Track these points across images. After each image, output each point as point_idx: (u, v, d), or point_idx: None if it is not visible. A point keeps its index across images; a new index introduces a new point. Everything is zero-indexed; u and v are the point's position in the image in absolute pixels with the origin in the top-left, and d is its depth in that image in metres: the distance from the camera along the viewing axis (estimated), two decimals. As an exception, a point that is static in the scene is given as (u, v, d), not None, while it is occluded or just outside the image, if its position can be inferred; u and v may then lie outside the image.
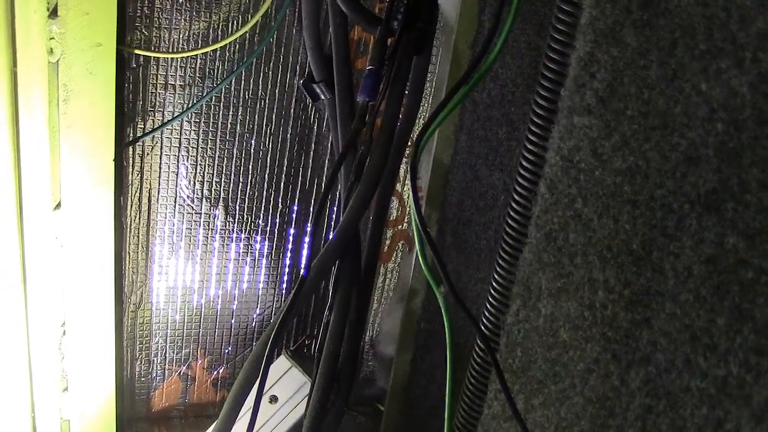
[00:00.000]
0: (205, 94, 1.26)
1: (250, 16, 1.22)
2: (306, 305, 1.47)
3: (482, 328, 1.00)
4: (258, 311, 1.46)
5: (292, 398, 1.28)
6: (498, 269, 0.99)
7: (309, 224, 1.42)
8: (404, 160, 1.37)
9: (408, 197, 1.43)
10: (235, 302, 1.44)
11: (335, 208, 1.41)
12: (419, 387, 1.43)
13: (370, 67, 1.03)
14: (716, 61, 0.68)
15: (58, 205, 1.17)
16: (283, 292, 1.46)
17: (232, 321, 1.46)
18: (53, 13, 1.06)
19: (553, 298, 0.89)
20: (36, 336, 1.25)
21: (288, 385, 1.29)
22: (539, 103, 0.91)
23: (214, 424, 1.09)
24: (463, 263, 1.25)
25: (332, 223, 1.42)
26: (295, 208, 1.40)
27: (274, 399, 1.28)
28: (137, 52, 1.18)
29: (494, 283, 1.00)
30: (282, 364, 1.31)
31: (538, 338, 0.91)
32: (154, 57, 1.20)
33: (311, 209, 1.41)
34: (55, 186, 1.16)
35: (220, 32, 1.23)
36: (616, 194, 0.79)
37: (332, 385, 1.20)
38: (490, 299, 1.01)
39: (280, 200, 1.38)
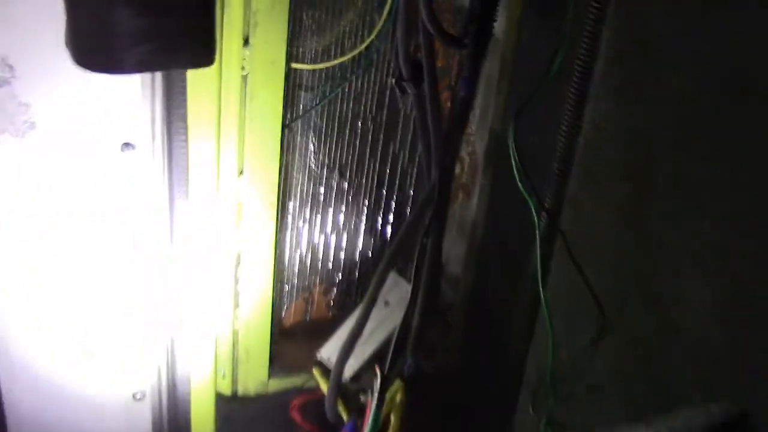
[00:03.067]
0: (329, 93, 1.79)
1: (362, 35, 1.75)
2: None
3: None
4: (361, 249, 2.00)
5: (400, 303, 1.81)
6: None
7: (395, 188, 1.96)
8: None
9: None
10: (345, 243, 1.98)
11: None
12: (484, 301, 1.95)
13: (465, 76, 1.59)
14: None
15: (241, 173, 1.70)
16: (378, 237, 2.00)
17: (342, 257, 1.99)
18: (245, 42, 1.58)
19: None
20: (218, 266, 1.77)
21: (397, 293, 1.82)
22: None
23: (359, 307, 1.64)
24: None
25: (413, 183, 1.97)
26: (388, 172, 1.94)
27: (387, 303, 1.82)
28: (292, 65, 1.71)
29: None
30: (394, 278, 1.85)
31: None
32: (299, 68, 1.73)
33: (398, 173, 1.95)
34: (240, 159, 1.69)
35: (339, 48, 1.76)
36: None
37: (424, 289, 1.73)
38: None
39: (378, 166, 1.92)
